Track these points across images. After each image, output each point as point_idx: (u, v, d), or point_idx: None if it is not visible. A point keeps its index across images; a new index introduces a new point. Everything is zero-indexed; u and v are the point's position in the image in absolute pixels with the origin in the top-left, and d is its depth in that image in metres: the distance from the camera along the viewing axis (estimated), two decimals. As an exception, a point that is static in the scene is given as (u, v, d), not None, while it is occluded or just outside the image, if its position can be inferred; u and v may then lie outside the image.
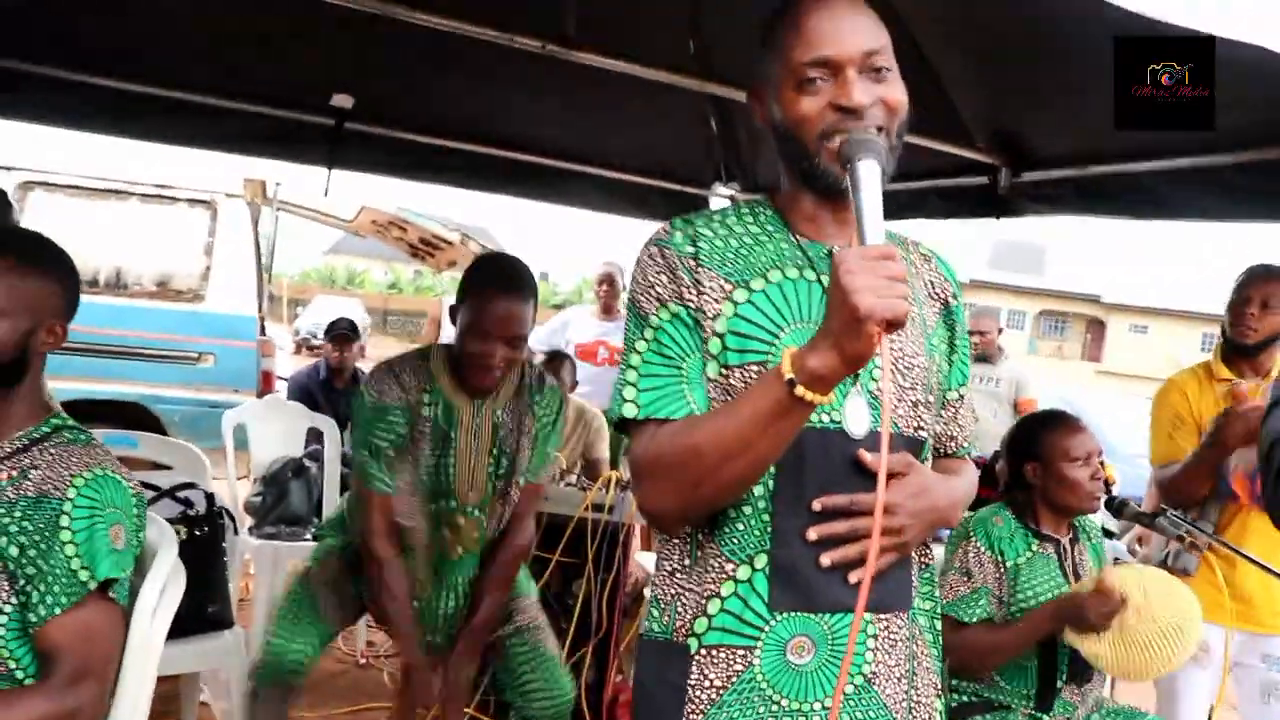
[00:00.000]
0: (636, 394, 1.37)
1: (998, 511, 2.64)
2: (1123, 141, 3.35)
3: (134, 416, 5.48)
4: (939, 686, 1.50)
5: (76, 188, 5.89)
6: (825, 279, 1.39)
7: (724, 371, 1.37)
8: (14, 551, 1.70)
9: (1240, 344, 3.05)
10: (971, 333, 6.09)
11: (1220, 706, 3.02)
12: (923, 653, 1.46)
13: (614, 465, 5.00)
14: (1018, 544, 2.59)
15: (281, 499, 4.15)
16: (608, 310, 6.13)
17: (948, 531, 2.66)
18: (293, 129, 4.29)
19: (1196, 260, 43.79)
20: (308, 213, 7.14)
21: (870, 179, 1.25)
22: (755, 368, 1.36)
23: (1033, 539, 2.61)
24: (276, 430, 4.74)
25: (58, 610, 1.69)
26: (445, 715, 2.84)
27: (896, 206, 4.64)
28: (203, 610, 2.89)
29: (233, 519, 3.25)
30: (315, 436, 4.75)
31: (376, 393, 2.65)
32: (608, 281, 6.15)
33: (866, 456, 1.34)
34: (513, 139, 4.66)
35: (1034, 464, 2.64)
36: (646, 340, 1.39)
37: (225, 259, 6.01)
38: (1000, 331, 6.14)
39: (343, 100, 4.20)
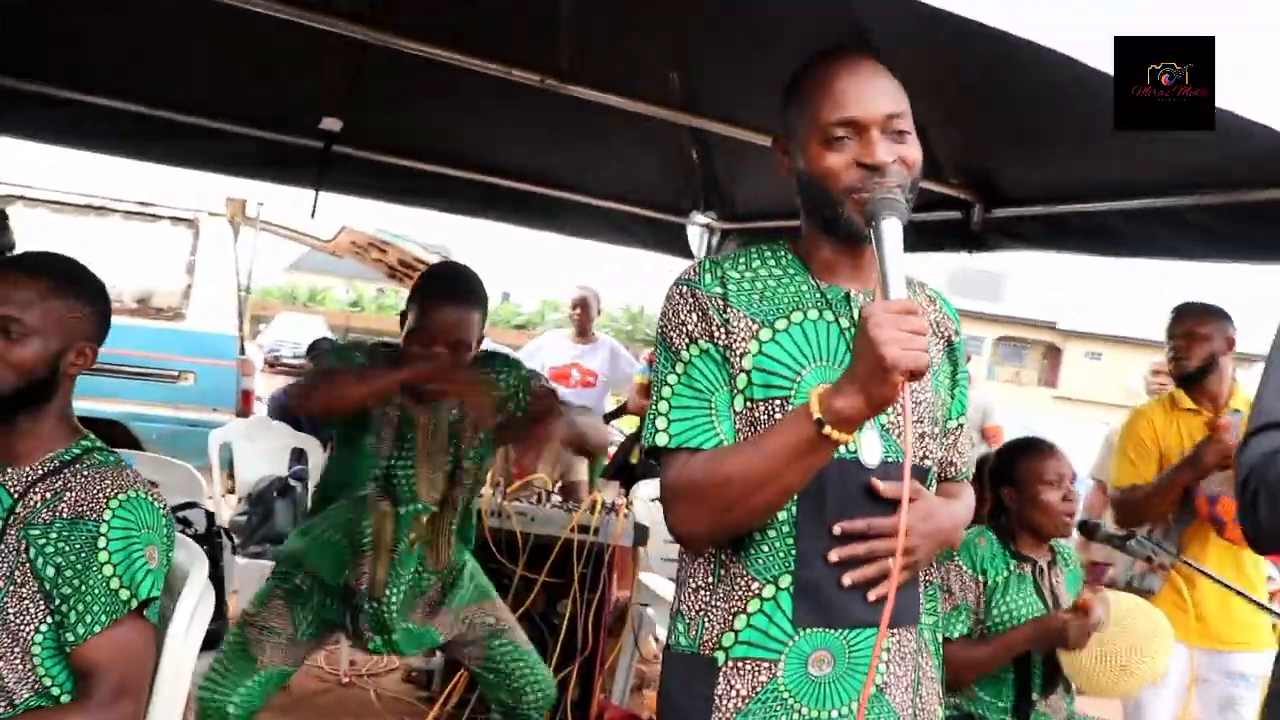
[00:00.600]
0: (668, 424, 1.48)
1: (981, 533, 2.77)
2: (1090, 181, 3.50)
3: (114, 435, 5.47)
4: (940, 695, 1.62)
5: (59, 203, 5.91)
6: (842, 320, 1.52)
7: (749, 405, 1.48)
8: (50, 572, 1.75)
9: (1183, 374, 3.35)
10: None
11: (1184, 721, 3.17)
12: (927, 664, 1.58)
13: (592, 487, 5.08)
14: (998, 563, 2.72)
15: (267, 518, 4.20)
16: (582, 334, 6.21)
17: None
18: (281, 151, 4.34)
19: (1147, 290, 44.62)
20: (287, 233, 7.17)
21: (893, 236, 1.38)
22: (779, 402, 1.47)
23: (1012, 560, 2.74)
24: (261, 450, 4.78)
25: (96, 629, 1.74)
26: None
27: (870, 239, 4.78)
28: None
29: (231, 538, 3.29)
30: (298, 456, 4.79)
31: (334, 352, 2.77)
32: (581, 305, 6.23)
33: (881, 485, 1.45)
34: (497, 165, 4.74)
35: (1010, 488, 2.78)
36: (678, 374, 1.50)
37: (206, 277, 6.04)
38: (968, 359, 6.27)
39: (331, 124, 4.25)
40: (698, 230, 5.38)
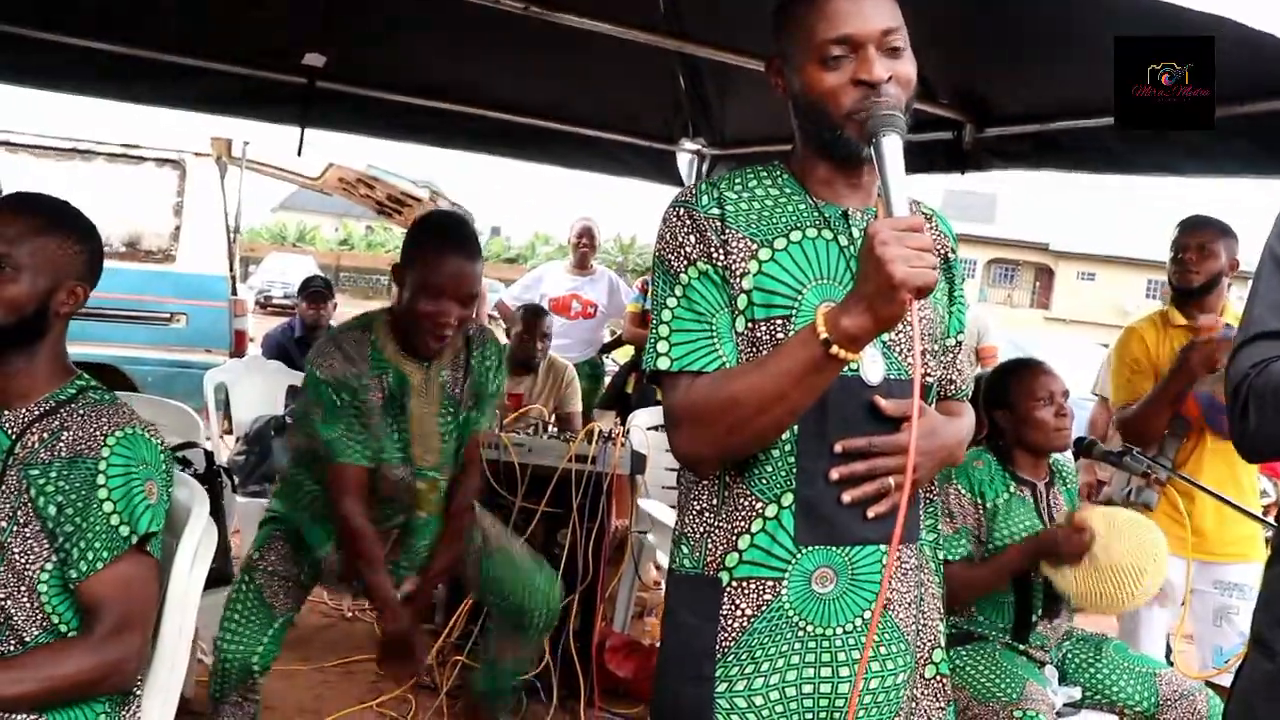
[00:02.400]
0: (669, 347, 1.47)
1: (979, 455, 2.79)
2: (1081, 98, 3.47)
3: (108, 378, 5.46)
4: (941, 611, 1.64)
5: (41, 148, 5.84)
6: (841, 239, 1.51)
7: (750, 325, 1.48)
8: (52, 510, 1.76)
9: (1186, 288, 3.31)
10: (934, 284, 6.23)
11: (1179, 635, 3.22)
12: (928, 580, 1.60)
13: (587, 418, 5.09)
14: (997, 486, 2.74)
15: (265, 457, 4.22)
16: (582, 265, 6.18)
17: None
18: (265, 88, 4.29)
19: (1139, 211, 44.49)
20: (274, 171, 7.11)
21: (894, 153, 1.37)
22: (780, 321, 1.46)
23: (1011, 481, 2.76)
24: (257, 389, 4.78)
25: (99, 565, 1.76)
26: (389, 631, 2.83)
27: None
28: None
29: (230, 476, 3.31)
30: (294, 394, 4.80)
31: (323, 369, 2.64)
32: (586, 234, 6.18)
33: (884, 403, 1.45)
34: (484, 97, 4.67)
35: (1004, 410, 2.79)
36: (677, 297, 1.49)
37: (195, 219, 6.00)
38: (962, 280, 6.26)
39: (314, 59, 4.19)
40: (687, 157, 5.35)
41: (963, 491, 2.70)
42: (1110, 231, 44.54)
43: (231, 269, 6.13)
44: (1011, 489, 2.74)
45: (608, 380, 6.35)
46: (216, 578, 3.04)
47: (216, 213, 6.08)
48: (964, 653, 2.64)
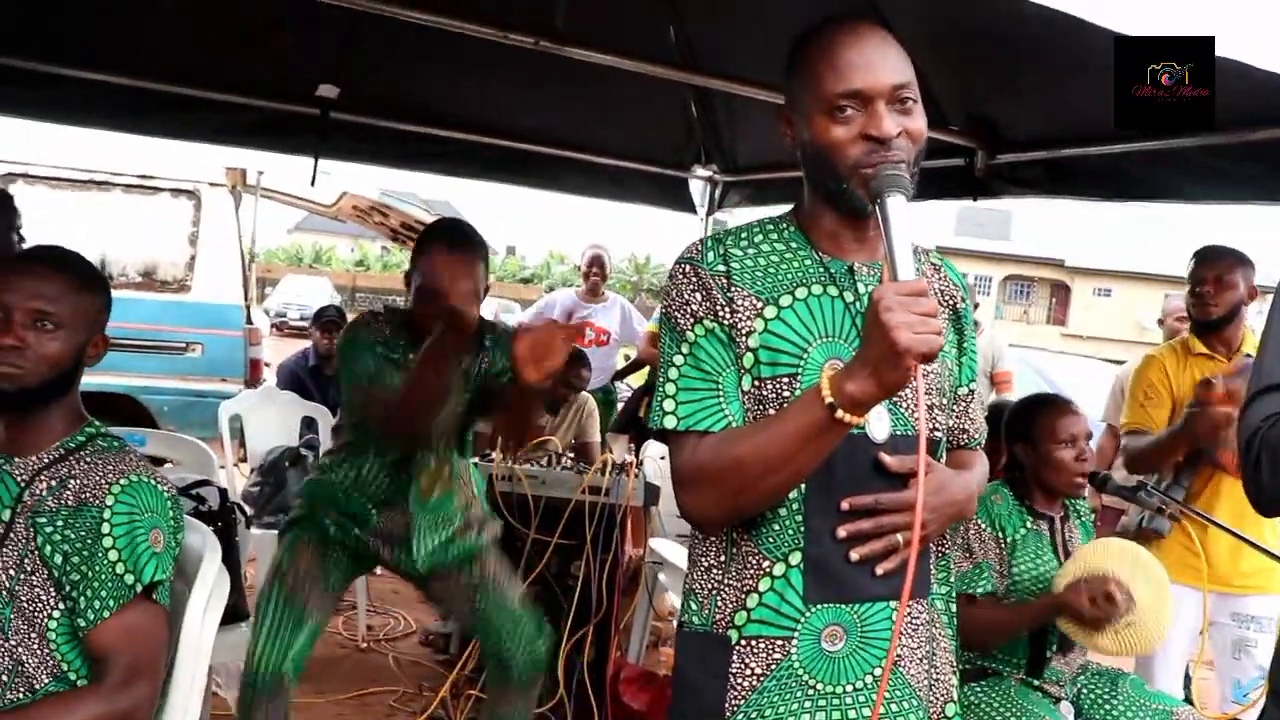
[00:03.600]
0: (676, 406, 1.47)
1: (997, 490, 2.77)
2: (1092, 124, 3.47)
3: (125, 408, 5.51)
4: (954, 664, 1.62)
5: (58, 179, 5.89)
6: (847, 295, 1.50)
7: (757, 383, 1.47)
8: (58, 559, 1.78)
9: (1205, 321, 3.26)
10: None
11: (1199, 665, 3.19)
12: (940, 634, 1.58)
13: (602, 445, 5.09)
14: (1015, 520, 2.72)
15: (280, 488, 4.22)
16: (594, 292, 6.19)
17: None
18: (279, 120, 4.33)
19: (1157, 226, 44.30)
20: (289, 199, 7.16)
21: (899, 214, 1.36)
22: (786, 380, 1.45)
23: (1028, 516, 2.74)
24: (271, 420, 4.79)
25: (106, 614, 1.77)
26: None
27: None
28: (219, 602, 2.96)
29: (244, 512, 3.31)
30: (309, 425, 4.81)
31: (365, 336, 2.73)
32: (597, 264, 6.20)
33: (890, 461, 1.44)
34: (497, 127, 4.71)
35: (1025, 445, 2.77)
36: (684, 354, 1.48)
37: (210, 248, 6.03)
38: (976, 306, 6.24)
39: (328, 90, 4.23)
40: (700, 183, 5.36)
41: (983, 526, 2.68)
42: (1126, 247, 44.34)
43: (246, 297, 6.16)
44: (1028, 524, 2.72)
45: (620, 406, 6.35)
46: (230, 615, 3.06)
47: (231, 242, 6.11)
48: (979, 689, 2.62)
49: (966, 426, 1.69)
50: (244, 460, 4.78)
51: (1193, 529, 3.06)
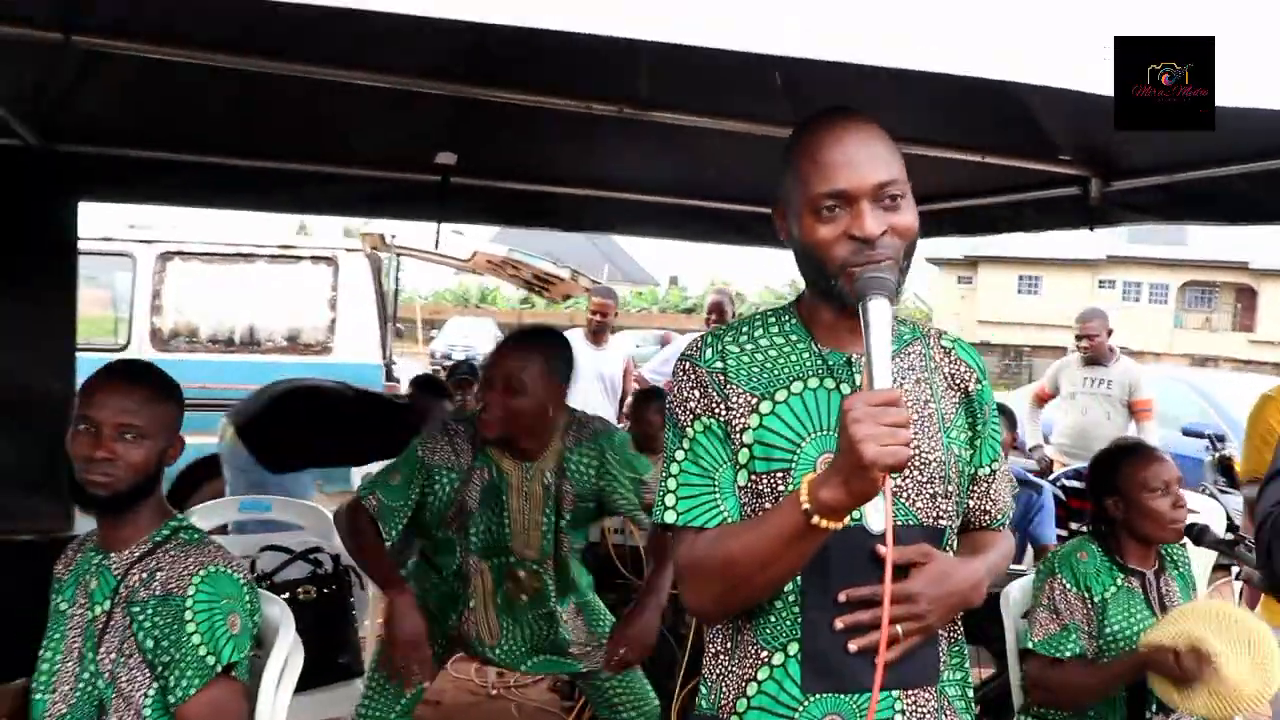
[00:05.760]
0: (676, 501, 1.52)
1: (1082, 546, 2.69)
2: (1209, 146, 3.34)
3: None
4: None
5: (209, 254, 6.32)
6: (844, 387, 1.52)
7: (753, 478, 1.51)
8: (150, 644, 1.96)
9: None
10: (1079, 337, 6.01)
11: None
12: None
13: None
14: (1104, 579, 2.62)
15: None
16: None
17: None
18: (403, 188, 4.54)
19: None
20: (426, 256, 7.48)
21: (880, 319, 1.37)
22: (780, 474, 1.49)
23: (1118, 573, 2.64)
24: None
25: (192, 691, 1.94)
26: (625, 647, 2.92)
27: (991, 220, 4.67)
28: (334, 661, 3.14)
29: (358, 576, 3.48)
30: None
31: (427, 451, 2.82)
32: (716, 311, 6.26)
33: (882, 551, 1.44)
34: (611, 180, 4.82)
35: (1114, 498, 2.67)
36: (684, 450, 1.54)
37: (349, 311, 6.36)
38: (1110, 333, 6.02)
39: (446, 158, 4.41)
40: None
41: (1068, 586, 2.60)
42: (1319, 245, 41.62)
43: (385, 357, 6.45)
44: (1119, 581, 2.62)
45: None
46: (345, 672, 3.24)
47: (369, 304, 6.42)
48: (1074, 753, 2.54)
49: (988, 508, 1.68)
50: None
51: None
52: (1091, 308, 6.23)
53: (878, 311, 1.38)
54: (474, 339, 26.51)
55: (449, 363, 25.84)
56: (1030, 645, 2.63)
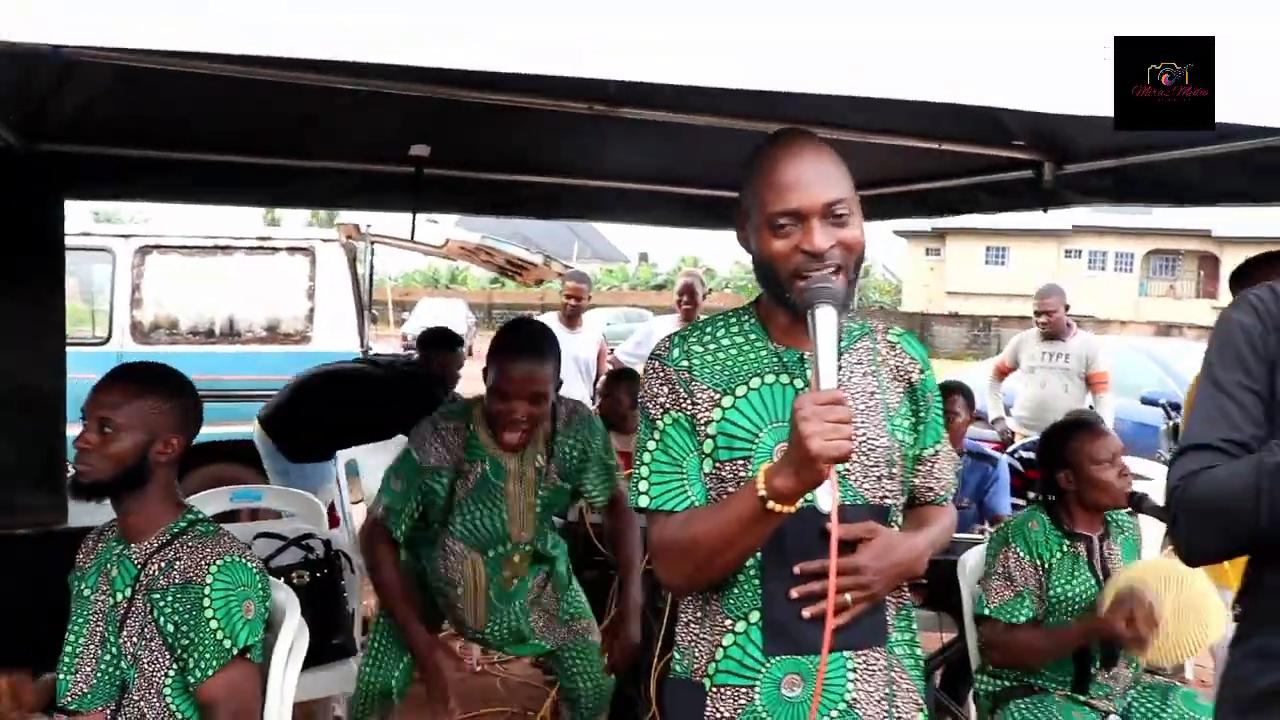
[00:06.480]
0: (649, 487, 1.70)
1: (1032, 515, 2.89)
2: (1155, 133, 3.50)
3: (256, 455, 5.95)
4: (920, 703, 1.78)
5: (187, 247, 6.41)
6: (798, 382, 1.70)
7: (717, 466, 1.69)
8: (170, 628, 2.11)
9: None
10: (1038, 313, 6.21)
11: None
12: (901, 677, 1.74)
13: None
14: (1052, 546, 2.83)
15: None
16: (688, 319, 6.38)
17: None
18: (378, 180, 4.63)
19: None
20: (401, 243, 7.56)
21: (826, 325, 1.54)
22: (741, 462, 1.67)
23: (1064, 539, 2.85)
24: (384, 461, 5.07)
25: (210, 672, 2.09)
26: (616, 658, 3.12)
27: (951, 203, 4.83)
28: (329, 642, 3.29)
29: (349, 560, 3.61)
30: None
31: (421, 454, 2.93)
32: (687, 292, 6.40)
33: (830, 529, 1.61)
34: (584, 168, 4.91)
35: (1065, 470, 2.87)
36: (655, 440, 1.71)
37: (327, 301, 6.46)
38: (1067, 308, 6.23)
39: (420, 149, 4.49)
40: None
41: (1022, 555, 2.80)
42: (1276, 212, 42.06)
43: (363, 344, 6.55)
44: (1065, 548, 2.83)
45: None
46: (340, 651, 3.38)
47: (346, 293, 6.53)
48: (1024, 706, 2.74)
49: (932, 485, 1.87)
50: (360, 501, 5.11)
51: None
52: (1049, 284, 6.43)
53: (824, 318, 1.54)
54: (445, 320, 26.39)
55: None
56: (986, 611, 2.82)
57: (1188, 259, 45.06)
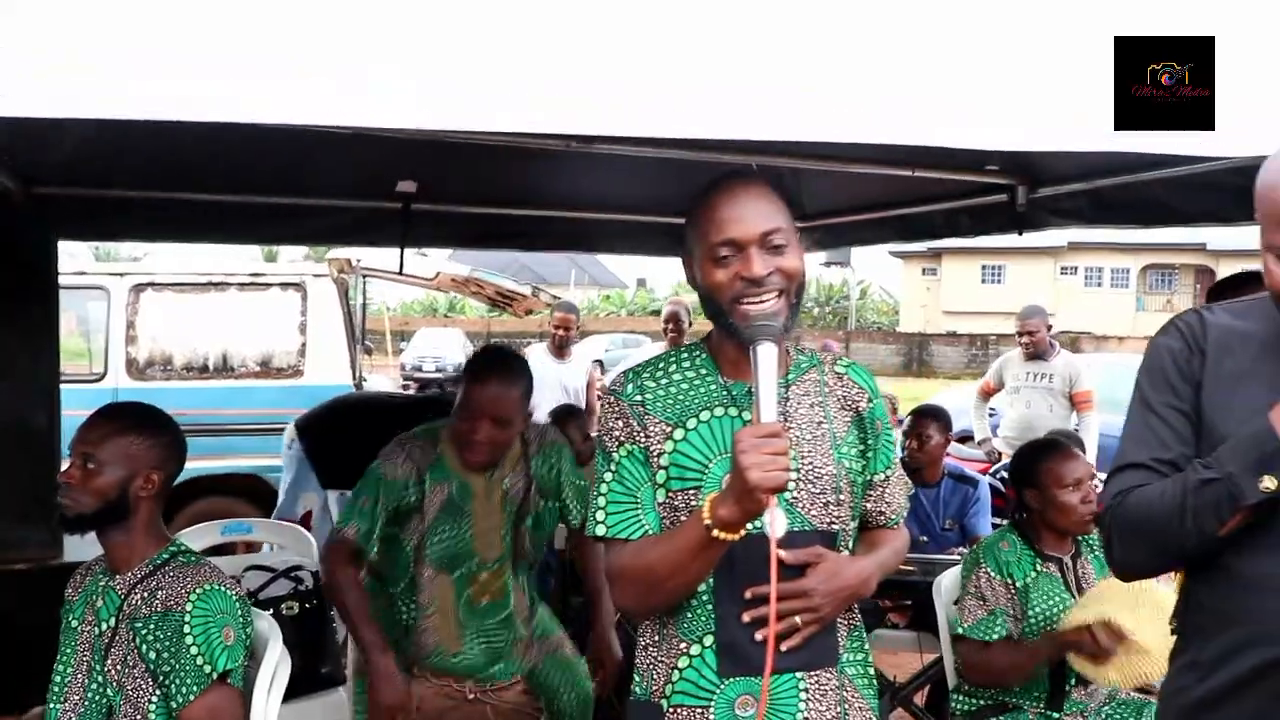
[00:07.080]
0: (605, 516, 1.76)
1: (1003, 536, 2.94)
2: (1122, 155, 3.56)
3: (250, 486, 6.04)
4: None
5: (181, 285, 6.50)
6: (746, 414, 1.75)
7: (669, 495, 1.76)
8: (153, 655, 2.18)
9: None
10: (1021, 334, 6.29)
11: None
12: (853, 696, 1.80)
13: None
14: (1024, 565, 2.88)
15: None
16: (674, 346, 6.41)
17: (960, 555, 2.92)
18: (366, 217, 4.70)
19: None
20: (393, 276, 7.66)
21: (766, 361, 1.61)
22: (692, 492, 1.73)
23: (1037, 559, 2.90)
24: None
25: (191, 697, 2.16)
26: (605, 677, 3.22)
27: (930, 227, 4.89)
28: (317, 672, 3.34)
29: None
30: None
31: (388, 470, 2.96)
32: (673, 320, 6.48)
33: (780, 554, 1.66)
34: (571, 200, 4.96)
35: (1033, 490, 2.92)
36: (612, 472, 1.78)
37: (318, 335, 6.55)
38: (1050, 328, 6.33)
39: (407, 185, 4.56)
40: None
41: (992, 575, 2.85)
42: (1273, 225, 41.98)
43: (355, 377, 6.63)
44: (1038, 566, 2.88)
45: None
46: (328, 681, 3.44)
47: (337, 327, 6.61)
48: (999, 725, 2.78)
49: (883, 509, 1.93)
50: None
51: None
52: (1030, 305, 6.53)
53: (765, 355, 1.62)
54: (443, 350, 26.51)
55: (419, 374, 25.94)
56: (961, 631, 2.87)
57: (1184, 273, 45.16)
